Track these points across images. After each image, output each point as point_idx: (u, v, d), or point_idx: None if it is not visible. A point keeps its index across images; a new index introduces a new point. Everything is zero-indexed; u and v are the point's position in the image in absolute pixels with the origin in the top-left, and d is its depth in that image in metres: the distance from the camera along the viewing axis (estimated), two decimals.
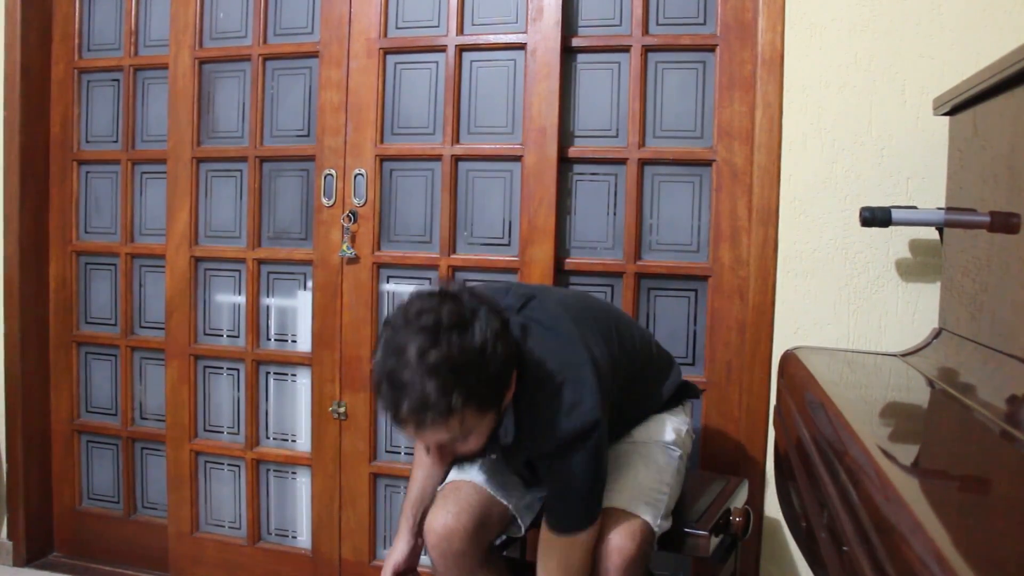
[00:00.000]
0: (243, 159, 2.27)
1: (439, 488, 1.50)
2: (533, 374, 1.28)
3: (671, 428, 1.53)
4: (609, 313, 1.53)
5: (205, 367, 2.35)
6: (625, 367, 1.44)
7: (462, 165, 2.09)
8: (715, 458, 1.91)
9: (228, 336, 2.33)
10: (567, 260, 2.02)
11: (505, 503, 1.47)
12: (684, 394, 1.62)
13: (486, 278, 2.08)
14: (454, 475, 1.49)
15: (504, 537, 1.62)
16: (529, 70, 2.00)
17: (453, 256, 2.09)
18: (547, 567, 1.34)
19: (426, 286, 1.26)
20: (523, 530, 1.50)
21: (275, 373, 2.30)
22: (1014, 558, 0.60)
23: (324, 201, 2.16)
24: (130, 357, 2.42)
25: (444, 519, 1.41)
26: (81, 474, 2.51)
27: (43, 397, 2.49)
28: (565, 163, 2.02)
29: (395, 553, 1.53)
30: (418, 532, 1.52)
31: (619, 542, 1.31)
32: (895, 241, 1.75)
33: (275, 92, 2.25)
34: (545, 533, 1.35)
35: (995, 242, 1.20)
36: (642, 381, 1.52)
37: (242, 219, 2.29)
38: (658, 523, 1.37)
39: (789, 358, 1.43)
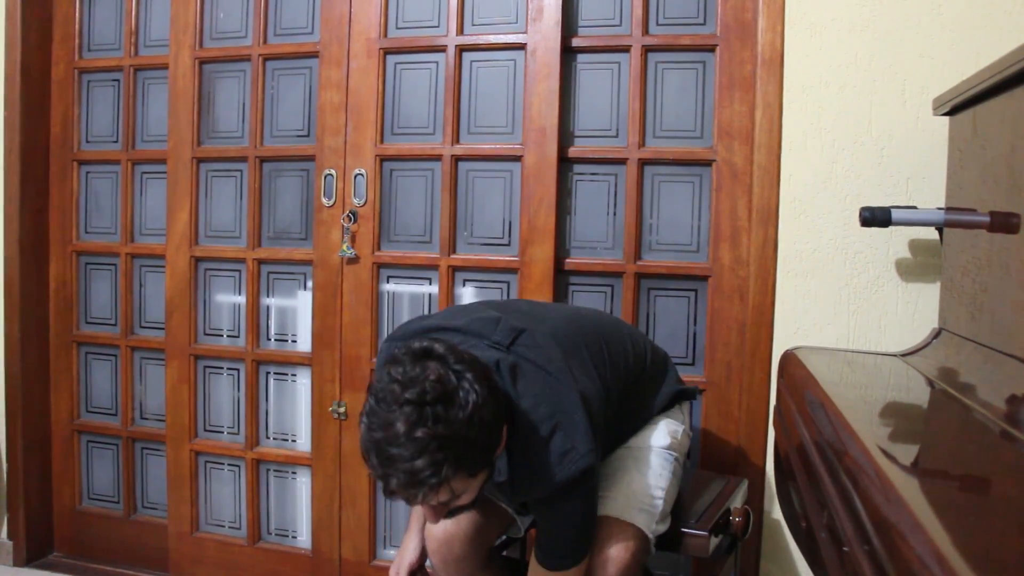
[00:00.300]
0: (243, 159, 2.27)
1: None
2: (525, 420, 1.27)
3: (666, 432, 1.51)
4: (601, 331, 1.50)
5: (205, 367, 2.35)
6: (618, 392, 1.44)
7: (462, 165, 2.09)
8: (715, 458, 1.91)
9: (228, 336, 2.33)
10: (567, 260, 2.02)
11: (504, 505, 1.46)
12: (680, 397, 1.61)
13: (486, 278, 2.09)
14: None
15: (504, 537, 1.62)
16: (529, 70, 2.00)
17: (453, 256, 2.09)
18: None
19: (413, 345, 1.18)
20: (522, 531, 1.50)
21: (275, 373, 2.30)
22: (1014, 558, 0.60)
23: (324, 201, 2.16)
24: (130, 357, 2.43)
25: (444, 524, 1.41)
26: (81, 474, 2.51)
27: (43, 397, 2.49)
28: (565, 163, 2.02)
29: (408, 552, 1.52)
30: None
31: (614, 552, 1.31)
32: (895, 241, 1.75)
33: (275, 92, 2.25)
34: (534, 565, 1.35)
35: (995, 242, 1.20)
36: (636, 397, 1.51)
37: (242, 219, 2.29)
38: (653, 528, 1.37)
39: (789, 358, 1.43)
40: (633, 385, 1.50)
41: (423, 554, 1.53)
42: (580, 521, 1.32)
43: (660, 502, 1.40)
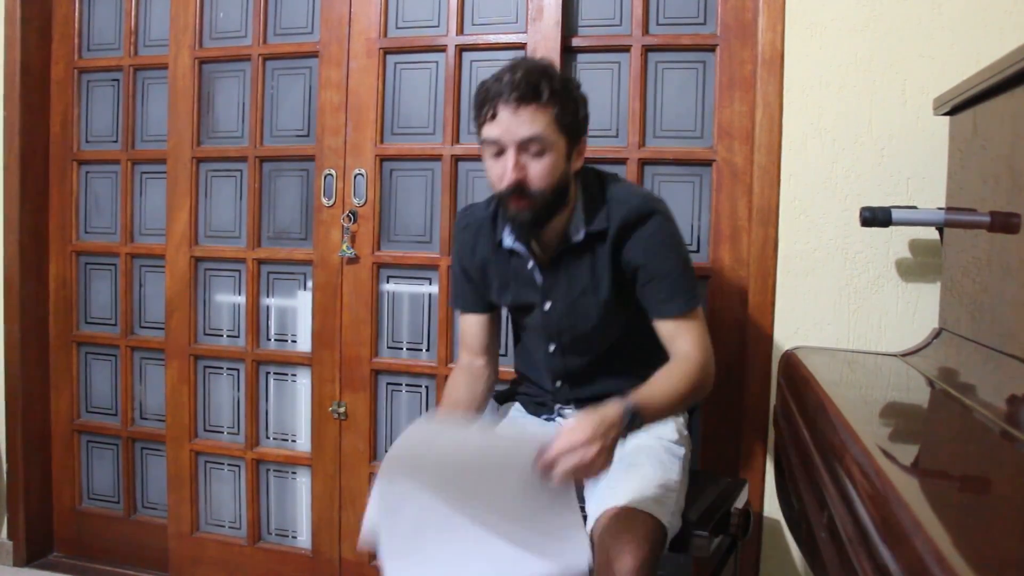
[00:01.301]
0: (243, 159, 2.27)
1: None
2: (609, 178, 1.50)
3: (674, 428, 1.55)
4: None
5: (205, 367, 2.35)
6: None
7: (462, 165, 2.09)
8: (715, 458, 1.91)
9: (228, 336, 2.33)
10: None
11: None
12: None
13: None
14: None
15: None
16: None
17: None
18: (686, 347, 1.40)
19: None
20: None
21: (275, 373, 2.30)
22: (1014, 558, 0.60)
23: (324, 201, 2.16)
24: (130, 357, 2.43)
25: None
26: (81, 474, 2.51)
27: (43, 397, 2.49)
28: None
29: None
30: None
31: (632, 545, 1.29)
32: (895, 241, 1.75)
33: (275, 92, 2.25)
34: (667, 327, 1.42)
35: (995, 242, 1.20)
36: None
37: (242, 219, 2.29)
38: (668, 521, 1.36)
39: (789, 358, 1.43)
40: None
41: None
42: (677, 248, 1.44)
43: (674, 495, 1.40)
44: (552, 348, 1.56)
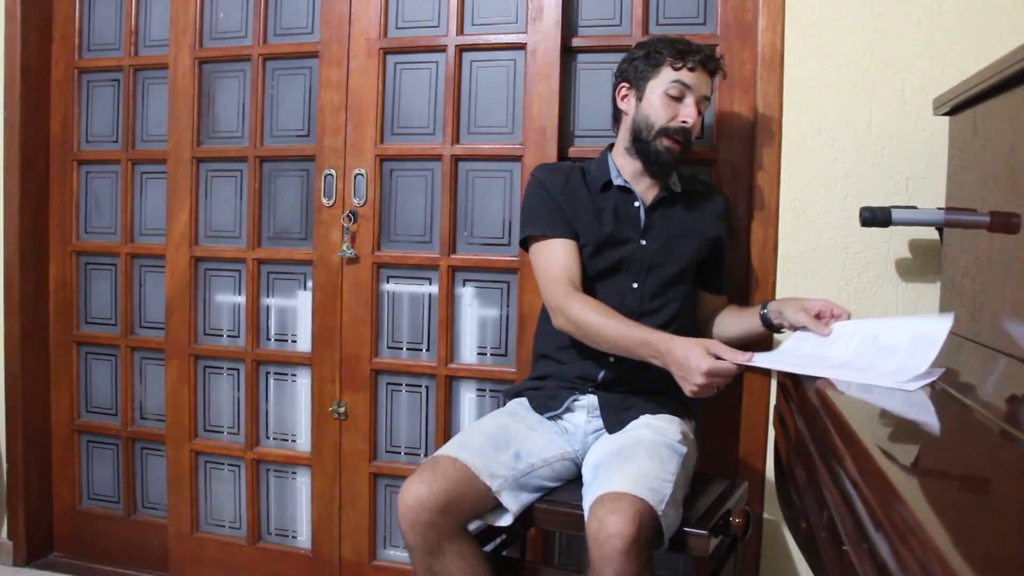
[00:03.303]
0: (243, 159, 2.27)
1: (420, 463, 1.50)
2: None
3: (678, 430, 1.56)
4: None
5: (205, 367, 2.35)
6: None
7: (462, 165, 2.09)
8: (715, 459, 1.91)
9: (228, 336, 2.33)
10: None
11: (488, 484, 1.46)
12: (691, 406, 1.69)
13: (486, 278, 2.09)
14: (441, 451, 1.50)
15: (504, 536, 1.61)
16: (529, 70, 2.00)
17: (453, 256, 2.09)
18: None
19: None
20: (510, 518, 1.48)
21: (275, 373, 2.30)
22: (1014, 558, 0.60)
23: (324, 201, 2.16)
24: (130, 357, 2.43)
25: (416, 489, 1.41)
26: (81, 474, 2.51)
27: (43, 397, 2.49)
28: None
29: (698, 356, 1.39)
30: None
31: (618, 526, 1.28)
32: (895, 241, 1.75)
33: (275, 92, 2.25)
34: (716, 299, 1.80)
35: (995, 242, 1.20)
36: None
37: (242, 219, 2.29)
38: (662, 509, 1.35)
39: None
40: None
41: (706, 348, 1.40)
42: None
43: (669, 485, 1.39)
44: (636, 285, 1.66)
